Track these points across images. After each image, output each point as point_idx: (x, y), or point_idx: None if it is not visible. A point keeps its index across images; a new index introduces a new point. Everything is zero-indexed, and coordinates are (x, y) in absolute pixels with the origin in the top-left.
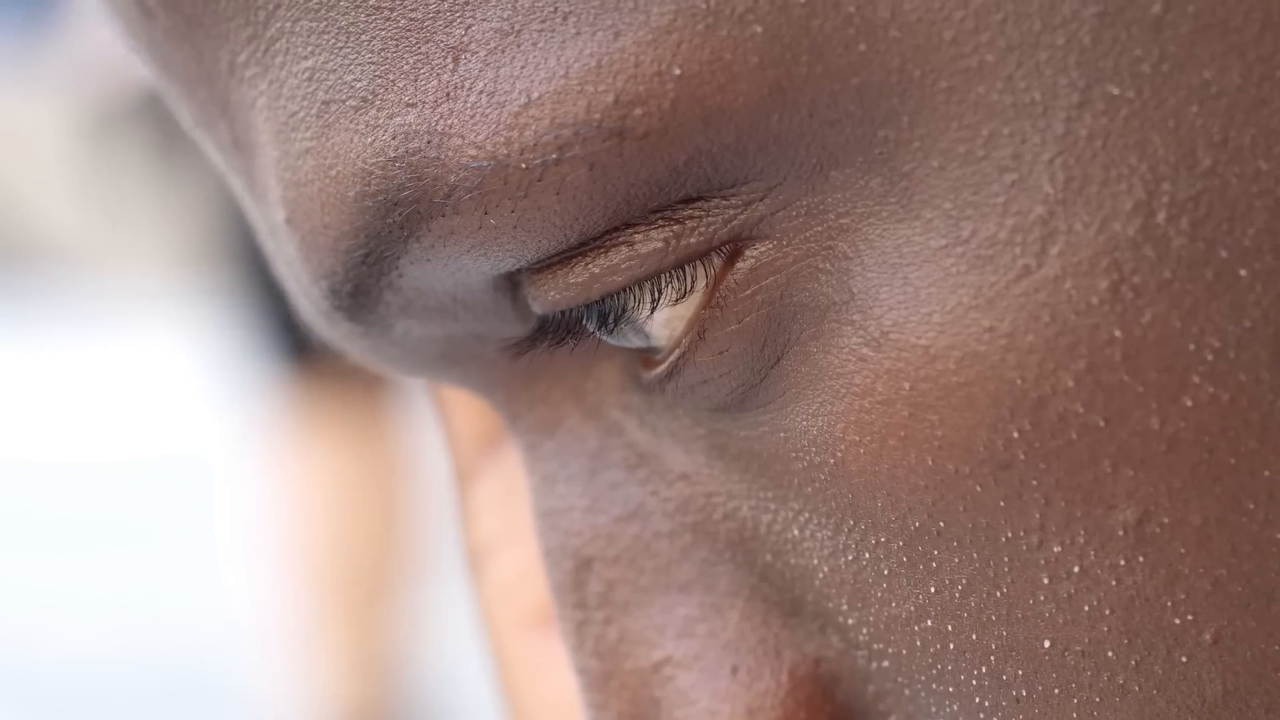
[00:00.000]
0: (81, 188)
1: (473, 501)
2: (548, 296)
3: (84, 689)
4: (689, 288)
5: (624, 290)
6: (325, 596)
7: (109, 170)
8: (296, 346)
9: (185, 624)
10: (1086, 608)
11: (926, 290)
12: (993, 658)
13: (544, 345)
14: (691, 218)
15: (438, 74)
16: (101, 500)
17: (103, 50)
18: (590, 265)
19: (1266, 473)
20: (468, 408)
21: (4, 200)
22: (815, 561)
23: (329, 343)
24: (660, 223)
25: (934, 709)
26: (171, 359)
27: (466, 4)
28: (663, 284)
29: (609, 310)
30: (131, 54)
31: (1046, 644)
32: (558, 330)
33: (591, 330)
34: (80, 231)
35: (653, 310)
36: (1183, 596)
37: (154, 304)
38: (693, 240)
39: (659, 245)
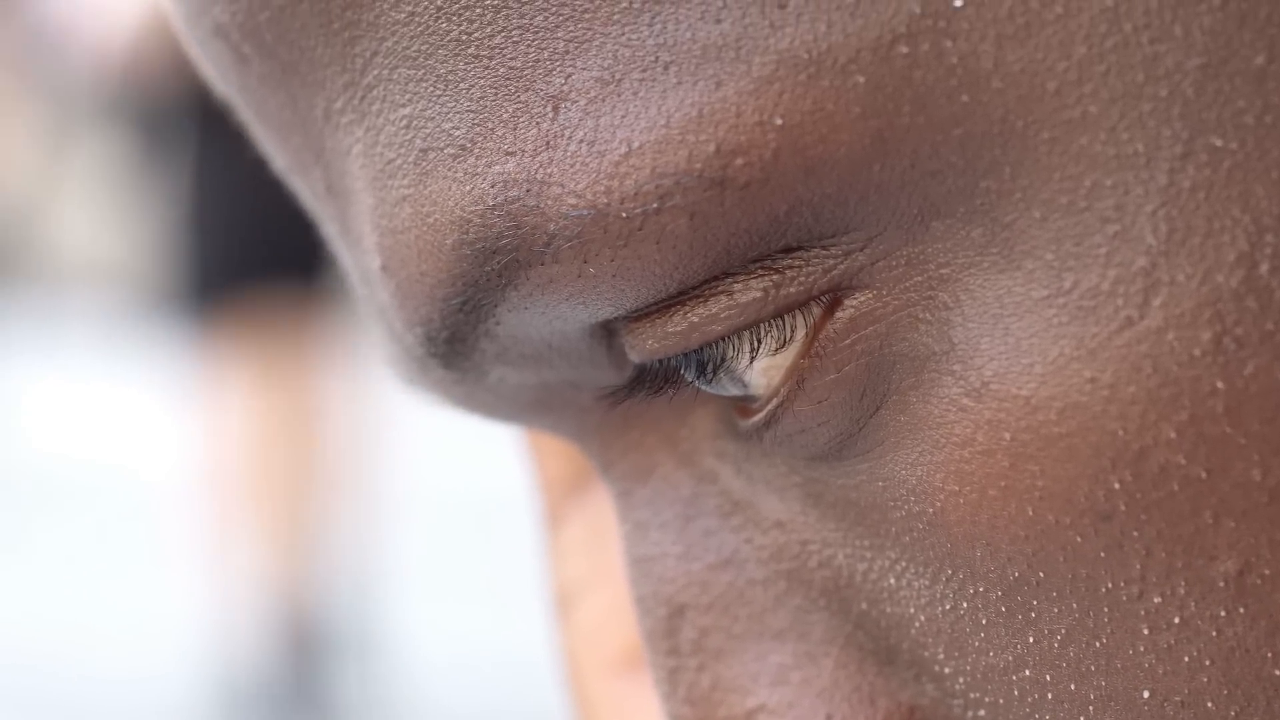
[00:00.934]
0: (38, 200)
1: (560, 544)
2: (646, 345)
3: (108, 706)
4: (788, 337)
5: (723, 339)
6: (252, 512)
7: (66, 180)
8: (211, 298)
9: (210, 639)
10: (1186, 658)
11: (1028, 341)
12: (1091, 708)
13: (641, 394)
14: (791, 267)
15: (537, 122)
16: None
17: (76, 61)
18: (689, 315)
19: None
20: (555, 452)
21: None
22: (912, 610)
23: (418, 388)
24: (760, 272)
25: None
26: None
27: (566, 53)
28: (762, 333)
29: (708, 360)
30: (226, 98)
31: (1146, 694)
32: (655, 379)
33: (690, 380)
34: (34, 242)
35: (752, 360)
36: None
37: (103, 315)
38: (792, 290)
39: (758, 295)
